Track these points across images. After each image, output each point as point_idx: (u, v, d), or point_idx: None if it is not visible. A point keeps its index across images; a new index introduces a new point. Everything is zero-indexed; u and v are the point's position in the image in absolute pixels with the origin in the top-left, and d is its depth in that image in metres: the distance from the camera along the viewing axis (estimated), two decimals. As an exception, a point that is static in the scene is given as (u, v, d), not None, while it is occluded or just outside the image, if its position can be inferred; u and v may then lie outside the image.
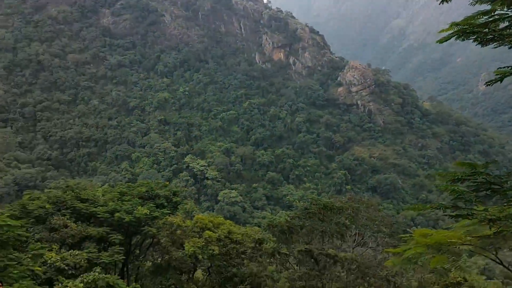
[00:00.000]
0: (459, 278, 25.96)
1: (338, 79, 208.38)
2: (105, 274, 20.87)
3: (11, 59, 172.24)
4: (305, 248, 24.84)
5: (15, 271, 13.84)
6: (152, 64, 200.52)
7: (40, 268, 16.66)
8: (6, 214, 19.80)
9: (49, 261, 19.80)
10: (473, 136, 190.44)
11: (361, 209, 29.77)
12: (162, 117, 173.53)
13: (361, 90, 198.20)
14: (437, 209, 5.60)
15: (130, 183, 37.57)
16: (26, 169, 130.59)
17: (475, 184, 5.77)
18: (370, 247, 29.69)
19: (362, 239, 30.26)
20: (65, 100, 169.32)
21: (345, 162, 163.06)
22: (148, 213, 27.53)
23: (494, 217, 4.81)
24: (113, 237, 25.81)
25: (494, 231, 4.76)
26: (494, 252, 6.07)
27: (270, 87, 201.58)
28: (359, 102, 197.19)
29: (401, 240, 25.77)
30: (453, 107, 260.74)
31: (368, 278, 24.77)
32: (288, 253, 27.63)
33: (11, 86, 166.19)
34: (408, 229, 30.40)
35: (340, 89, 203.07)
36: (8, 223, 14.46)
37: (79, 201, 27.60)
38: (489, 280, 32.47)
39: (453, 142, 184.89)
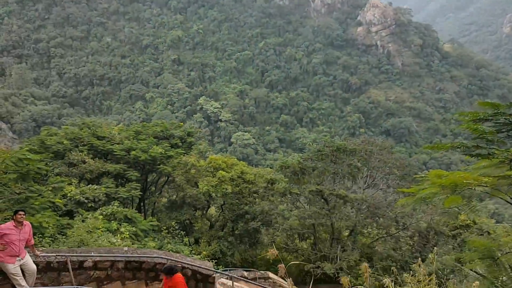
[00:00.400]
0: (469, 221, 26.34)
1: (358, 18, 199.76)
2: (123, 208, 21.74)
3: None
4: (316, 189, 25.19)
5: (37, 203, 14.44)
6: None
7: (60, 201, 17.37)
8: (25, 149, 20.37)
9: (69, 194, 20.58)
10: (492, 80, 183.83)
11: (374, 152, 29.71)
12: (176, 56, 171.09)
13: (381, 30, 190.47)
14: (458, 148, 5.46)
15: (145, 123, 37.87)
16: (43, 106, 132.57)
17: (496, 124, 5.57)
18: (381, 189, 30.01)
19: (373, 181, 30.52)
20: (77, 36, 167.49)
21: (360, 105, 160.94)
22: (163, 152, 28.00)
23: (516, 157, 4.67)
24: (130, 174, 26.52)
25: (515, 171, 4.65)
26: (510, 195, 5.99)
27: (287, 25, 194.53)
28: (378, 42, 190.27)
29: (413, 182, 25.94)
30: (474, 49, 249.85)
31: (377, 218, 25.24)
32: (299, 193, 28.13)
33: (24, 21, 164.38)
34: (419, 173, 30.44)
35: (359, 29, 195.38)
36: (28, 156, 14.82)
37: (95, 138, 28.11)
38: (498, 224, 32.87)
39: (472, 86, 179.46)
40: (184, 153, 30.29)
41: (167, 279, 7.87)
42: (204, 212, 32.79)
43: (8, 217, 12.42)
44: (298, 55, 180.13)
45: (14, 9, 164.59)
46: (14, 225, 7.71)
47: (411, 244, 27.03)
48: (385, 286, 3.83)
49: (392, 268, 5.13)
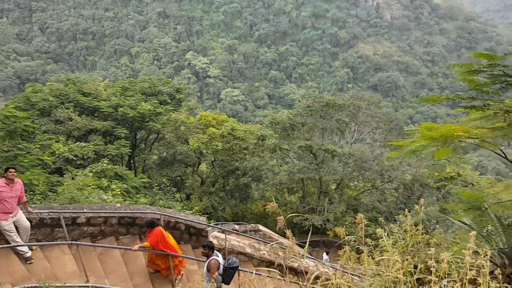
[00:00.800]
0: (453, 173, 27.04)
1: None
2: (113, 165, 21.71)
3: None
4: (305, 144, 25.39)
5: (26, 160, 14.29)
6: None
7: (49, 158, 17.22)
8: (11, 106, 19.88)
9: (57, 152, 20.42)
10: (481, 33, 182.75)
11: (362, 106, 29.81)
12: (161, 9, 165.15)
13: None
14: (453, 100, 5.45)
15: (131, 79, 37.03)
16: (26, 62, 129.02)
17: (490, 76, 5.53)
18: (368, 143, 30.41)
19: (361, 135, 30.86)
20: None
21: (348, 60, 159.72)
22: (151, 109, 27.65)
23: (510, 108, 4.68)
24: (118, 131, 26.28)
25: (509, 122, 4.67)
26: (500, 147, 6.08)
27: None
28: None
29: (400, 136, 26.27)
30: (464, 2, 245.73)
31: (363, 171, 25.74)
32: (288, 148, 28.38)
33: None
34: (405, 127, 30.81)
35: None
36: (15, 114, 14.49)
37: (81, 95, 27.52)
38: (482, 176, 33.87)
39: (460, 39, 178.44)
40: (174, 110, 29.95)
41: (149, 232, 8.32)
42: (195, 168, 33.01)
43: (-3, 174, 12.32)
44: (287, 8, 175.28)
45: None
46: (5, 183, 7.65)
47: (396, 196, 27.82)
48: (378, 235, 3.91)
49: (380, 219, 5.25)
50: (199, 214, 20.13)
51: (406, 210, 4.46)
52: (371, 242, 3.89)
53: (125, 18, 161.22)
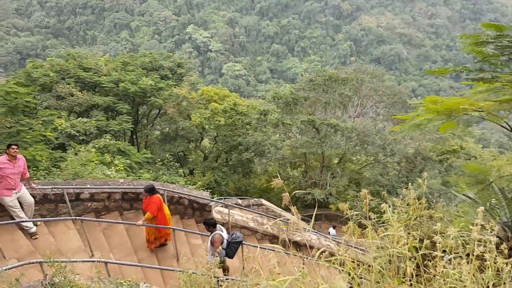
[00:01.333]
0: (456, 146, 26.97)
1: None
2: (115, 141, 21.73)
3: None
4: (308, 119, 25.26)
5: (28, 136, 14.30)
6: None
7: (52, 134, 17.23)
8: (12, 82, 19.75)
9: (59, 128, 20.40)
10: (486, 4, 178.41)
11: (365, 80, 29.49)
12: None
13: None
14: (461, 72, 5.32)
15: (132, 53, 36.58)
16: (26, 37, 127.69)
17: (499, 47, 5.38)
18: (370, 117, 30.25)
19: (363, 109, 30.65)
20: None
21: (351, 33, 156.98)
22: (153, 84, 27.43)
23: (519, 80, 4.57)
24: (120, 106, 26.17)
25: (518, 94, 4.57)
26: (505, 120, 5.98)
27: None
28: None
29: (403, 109, 26.08)
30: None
31: (365, 145, 25.71)
32: (291, 123, 28.26)
33: None
34: (408, 100, 30.55)
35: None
36: (16, 90, 14.40)
37: (82, 70, 27.27)
38: (485, 149, 33.77)
39: (465, 11, 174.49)
40: (175, 85, 29.73)
41: (147, 198, 8.45)
42: (198, 144, 33.04)
43: (0, 150, 12.34)
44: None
45: None
46: (8, 159, 7.65)
47: (398, 169, 27.87)
48: (382, 210, 3.89)
49: (382, 192, 5.22)
50: (203, 189, 20.26)
51: (409, 183, 4.42)
52: (375, 217, 3.87)
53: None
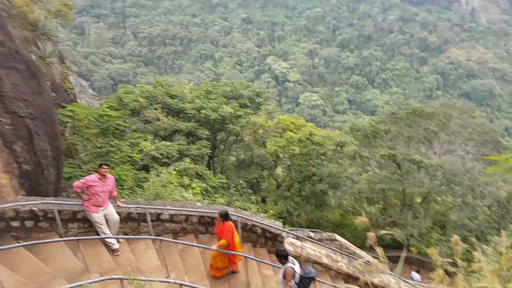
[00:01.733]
0: (560, 194, 23.84)
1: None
2: (194, 164, 22.56)
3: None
4: (389, 153, 24.10)
5: (116, 157, 15.42)
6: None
7: (137, 155, 18.39)
8: (105, 105, 21.64)
9: (144, 150, 21.74)
10: None
11: (454, 115, 27.58)
12: (245, 15, 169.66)
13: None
14: None
15: (214, 82, 38.40)
16: (119, 64, 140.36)
17: None
18: (459, 155, 28.07)
19: (451, 146, 28.58)
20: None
21: (438, 66, 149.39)
22: (232, 111, 28.31)
23: None
24: (200, 132, 27.32)
25: None
26: None
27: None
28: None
29: (495, 149, 23.77)
30: None
31: (453, 185, 23.76)
32: (369, 156, 27.16)
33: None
34: (501, 139, 27.91)
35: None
36: (108, 113, 15.71)
37: (168, 97, 29.11)
38: None
39: None
40: (253, 113, 30.40)
41: (219, 223, 8.45)
42: (271, 172, 33.11)
43: (91, 169, 13.39)
44: (373, 12, 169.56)
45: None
46: (98, 178, 8.20)
47: (489, 214, 25.25)
48: (472, 258, 3.43)
49: (471, 238, 4.65)
50: (274, 218, 20.06)
51: (501, 230, 3.88)
52: (463, 265, 3.46)
53: (211, 24, 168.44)
